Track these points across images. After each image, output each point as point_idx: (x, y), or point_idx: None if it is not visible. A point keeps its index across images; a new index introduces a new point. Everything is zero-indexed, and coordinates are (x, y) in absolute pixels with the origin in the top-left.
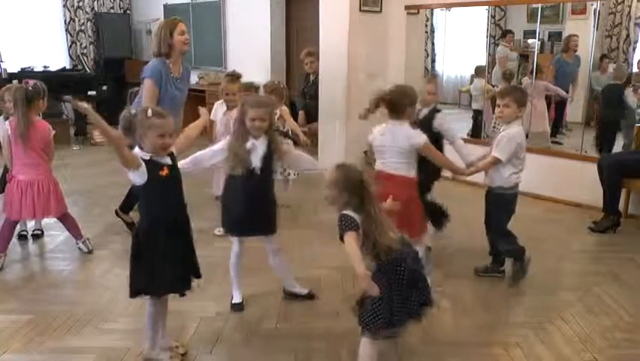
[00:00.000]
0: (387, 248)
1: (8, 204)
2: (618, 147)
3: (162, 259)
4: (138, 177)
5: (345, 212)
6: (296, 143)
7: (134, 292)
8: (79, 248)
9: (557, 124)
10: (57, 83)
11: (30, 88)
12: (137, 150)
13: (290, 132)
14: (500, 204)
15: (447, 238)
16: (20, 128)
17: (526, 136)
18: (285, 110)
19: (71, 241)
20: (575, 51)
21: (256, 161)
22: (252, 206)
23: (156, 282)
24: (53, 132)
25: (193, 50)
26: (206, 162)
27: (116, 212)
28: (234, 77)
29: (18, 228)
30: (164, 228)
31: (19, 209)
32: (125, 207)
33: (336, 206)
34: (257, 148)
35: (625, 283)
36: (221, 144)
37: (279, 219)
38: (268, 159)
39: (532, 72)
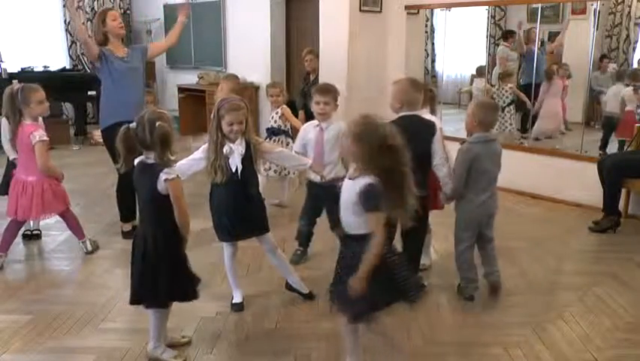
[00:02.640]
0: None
1: (8, 202)
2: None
3: (184, 265)
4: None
5: (372, 182)
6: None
7: (158, 304)
8: (82, 248)
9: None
10: (57, 83)
11: (15, 92)
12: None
13: (290, 131)
14: None
15: (447, 237)
16: (9, 130)
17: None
18: (286, 109)
19: (71, 241)
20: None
21: (235, 164)
22: (237, 211)
23: (186, 290)
24: (38, 139)
25: (193, 50)
26: (187, 172)
27: (124, 232)
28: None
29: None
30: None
31: (10, 206)
32: (127, 216)
33: (360, 164)
34: (234, 151)
35: (625, 283)
36: (199, 153)
37: (269, 217)
38: (248, 160)
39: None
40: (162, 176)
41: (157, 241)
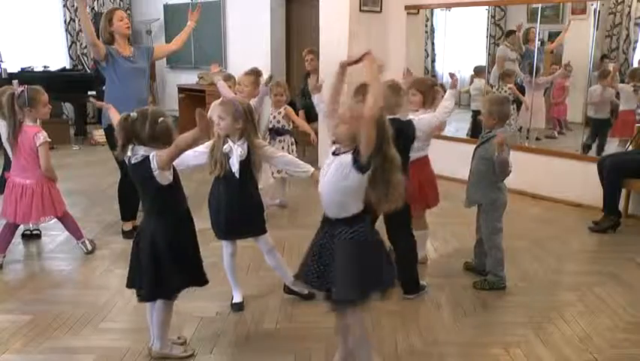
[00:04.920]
0: None
1: (3, 203)
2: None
3: (194, 253)
4: (170, 175)
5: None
6: (297, 141)
7: (165, 295)
8: (81, 248)
9: None
10: (57, 83)
11: (17, 95)
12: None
13: (291, 130)
14: None
15: (447, 237)
16: (8, 132)
17: (527, 131)
18: (290, 109)
19: (71, 241)
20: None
21: (235, 164)
22: (234, 210)
23: (192, 276)
24: (43, 140)
25: (193, 50)
26: (189, 162)
27: (124, 232)
28: (252, 71)
29: (22, 227)
30: (188, 221)
31: (6, 209)
32: (128, 215)
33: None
34: (234, 151)
35: (625, 283)
36: (203, 147)
37: (269, 218)
38: (247, 162)
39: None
40: (153, 165)
41: (156, 231)
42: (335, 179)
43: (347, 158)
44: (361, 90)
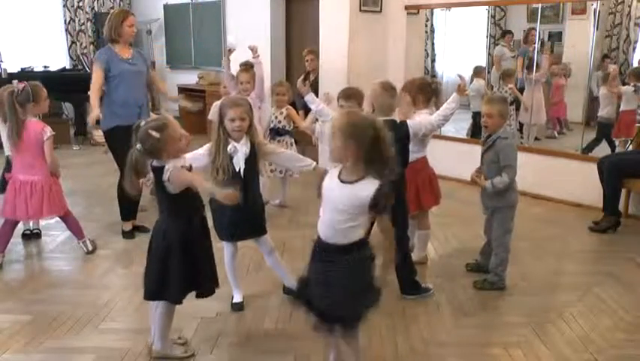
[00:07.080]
0: None
1: (5, 203)
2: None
3: (204, 258)
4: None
5: (381, 185)
6: (297, 141)
7: (168, 297)
8: (82, 248)
9: None
10: (57, 83)
11: (18, 92)
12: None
13: (292, 131)
14: None
15: (447, 237)
16: (10, 130)
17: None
18: (292, 109)
19: (71, 241)
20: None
21: (239, 163)
22: (237, 211)
23: (201, 282)
24: (50, 135)
25: (193, 50)
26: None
27: (124, 232)
28: (247, 66)
29: (21, 227)
30: (200, 226)
31: (13, 208)
32: (127, 215)
33: (355, 164)
34: (238, 151)
35: (625, 283)
36: (202, 150)
37: (269, 218)
38: (251, 160)
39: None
40: (165, 176)
41: (168, 229)
42: (348, 205)
43: (366, 190)
44: (353, 95)
